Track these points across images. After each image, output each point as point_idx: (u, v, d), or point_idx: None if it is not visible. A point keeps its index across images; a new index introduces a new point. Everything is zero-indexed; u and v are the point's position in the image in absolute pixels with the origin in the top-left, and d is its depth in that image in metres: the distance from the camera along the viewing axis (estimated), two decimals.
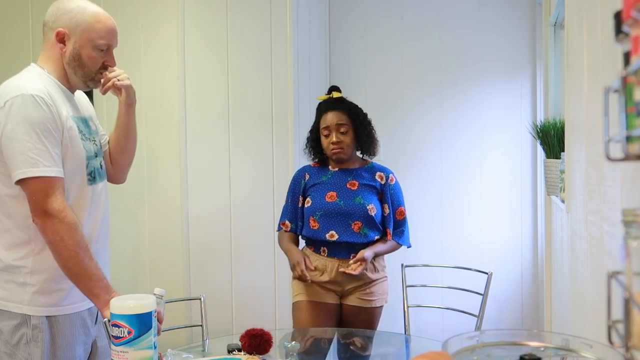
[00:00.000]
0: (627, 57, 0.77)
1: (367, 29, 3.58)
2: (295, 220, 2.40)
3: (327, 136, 2.34)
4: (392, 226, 2.36)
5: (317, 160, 2.44)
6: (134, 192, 2.90)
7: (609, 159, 0.77)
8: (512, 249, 3.48)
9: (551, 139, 2.60)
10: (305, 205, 2.36)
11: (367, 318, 2.33)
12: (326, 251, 2.32)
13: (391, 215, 2.36)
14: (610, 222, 1.29)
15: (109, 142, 1.93)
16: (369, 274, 2.31)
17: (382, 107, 3.57)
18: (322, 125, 2.35)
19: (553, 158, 2.60)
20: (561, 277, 2.48)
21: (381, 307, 2.37)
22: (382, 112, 3.58)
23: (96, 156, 1.77)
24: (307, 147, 2.46)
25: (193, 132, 2.91)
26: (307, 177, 2.41)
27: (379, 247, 2.32)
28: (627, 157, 0.72)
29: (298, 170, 2.48)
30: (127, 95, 1.81)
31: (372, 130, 2.41)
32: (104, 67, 1.73)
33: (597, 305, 1.45)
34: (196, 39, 2.90)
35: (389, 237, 2.35)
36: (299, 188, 2.41)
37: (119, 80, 1.75)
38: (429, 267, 2.88)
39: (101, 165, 1.81)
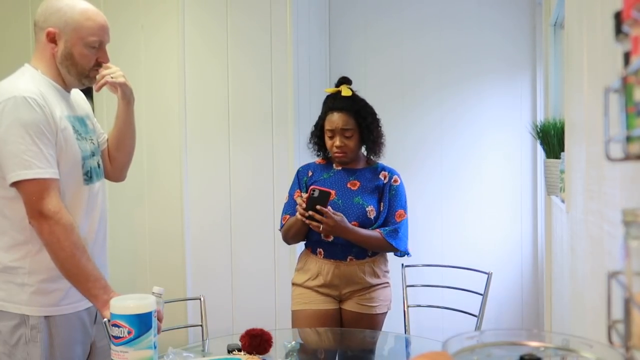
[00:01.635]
0: (627, 57, 0.76)
1: (367, 29, 3.58)
2: None
3: (331, 138, 2.24)
4: (386, 224, 2.25)
5: (321, 156, 2.36)
6: (133, 192, 2.90)
7: (609, 159, 0.77)
8: (512, 249, 3.48)
9: (551, 139, 2.60)
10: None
11: (369, 326, 2.22)
12: (322, 253, 2.24)
13: (385, 213, 2.24)
14: (610, 222, 1.29)
15: (107, 140, 1.93)
16: (368, 279, 2.21)
17: (382, 106, 3.54)
18: (327, 126, 2.24)
19: (553, 158, 2.60)
20: (561, 277, 2.47)
21: (383, 314, 2.27)
22: (381, 112, 3.54)
23: (93, 155, 1.77)
24: (310, 142, 2.36)
25: (193, 131, 2.90)
26: (310, 174, 2.33)
27: (362, 229, 2.17)
28: (627, 157, 0.72)
29: (302, 167, 2.38)
30: (122, 93, 1.81)
31: (380, 132, 2.31)
32: (98, 64, 1.73)
33: (597, 305, 1.45)
34: (196, 39, 2.90)
35: (378, 230, 2.21)
36: (301, 185, 2.32)
37: (112, 77, 1.75)
38: (429, 267, 2.88)
39: (98, 165, 1.81)
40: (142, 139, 2.81)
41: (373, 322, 2.24)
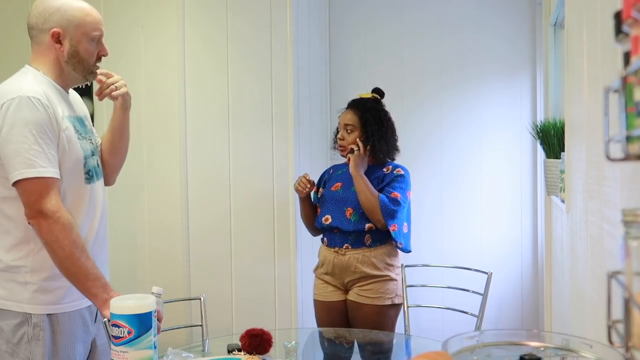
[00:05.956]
0: (627, 57, 0.76)
1: (367, 31, 3.58)
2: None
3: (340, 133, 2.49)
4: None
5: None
6: (133, 191, 2.90)
7: (609, 159, 0.77)
8: (512, 249, 3.48)
9: (551, 139, 2.60)
10: (318, 195, 2.55)
11: (368, 316, 2.30)
12: (326, 241, 2.45)
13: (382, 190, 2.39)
14: (610, 222, 1.29)
15: (101, 144, 1.94)
16: (364, 268, 2.32)
17: None
18: (340, 123, 2.50)
19: (553, 158, 2.60)
20: (561, 277, 2.48)
21: (385, 306, 2.32)
22: None
23: (93, 155, 1.78)
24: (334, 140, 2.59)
25: (193, 131, 2.90)
26: (332, 171, 2.60)
27: (368, 182, 2.35)
28: (627, 157, 0.72)
29: (330, 167, 2.67)
30: (123, 101, 1.85)
31: (386, 135, 2.45)
32: (99, 58, 1.76)
33: (597, 305, 1.45)
34: (196, 40, 2.90)
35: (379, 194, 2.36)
36: (320, 181, 2.60)
37: (116, 88, 1.80)
38: (429, 267, 2.88)
39: (98, 164, 1.82)
40: (142, 138, 2.81)
41: (374, 313, 2.31)
